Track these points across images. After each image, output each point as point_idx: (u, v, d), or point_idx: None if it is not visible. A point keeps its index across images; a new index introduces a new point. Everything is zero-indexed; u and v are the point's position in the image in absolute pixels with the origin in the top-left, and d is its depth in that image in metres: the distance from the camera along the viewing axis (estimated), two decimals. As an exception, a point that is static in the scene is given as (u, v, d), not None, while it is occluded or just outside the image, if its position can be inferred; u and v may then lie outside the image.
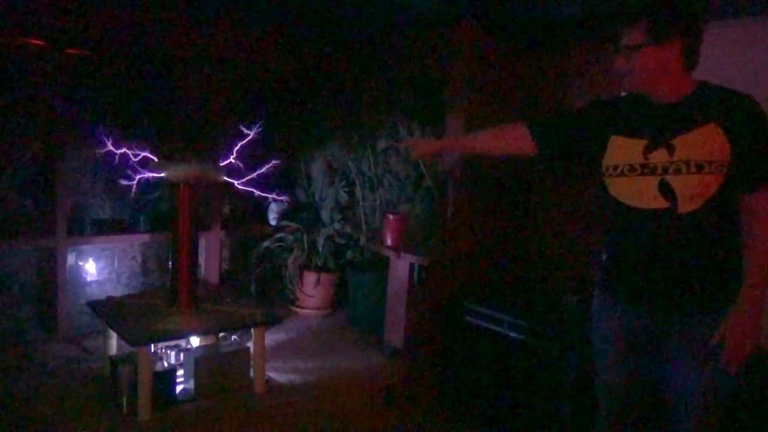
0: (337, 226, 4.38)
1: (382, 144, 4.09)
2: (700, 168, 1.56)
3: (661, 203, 1.61)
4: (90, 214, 3.94)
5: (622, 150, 1.68)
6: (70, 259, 3.79)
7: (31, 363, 3.32)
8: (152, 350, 2.86)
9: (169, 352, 3.07)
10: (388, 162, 4.14)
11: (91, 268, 3.94)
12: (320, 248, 4.36)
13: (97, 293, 3.87)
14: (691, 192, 1.57)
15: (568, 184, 3.24)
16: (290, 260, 4.33)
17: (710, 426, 1.65)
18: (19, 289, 3.73)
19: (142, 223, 4.05)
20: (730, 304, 1.59)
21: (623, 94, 1.81)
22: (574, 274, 3.11)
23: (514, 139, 2.01)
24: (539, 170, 3.39)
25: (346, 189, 4.38)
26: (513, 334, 2.69)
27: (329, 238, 4.38)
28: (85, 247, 3.88)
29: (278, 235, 4.44)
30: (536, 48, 3.31)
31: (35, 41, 3.55)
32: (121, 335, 2.83)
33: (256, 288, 4.48)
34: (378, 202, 4.22)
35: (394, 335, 3.61)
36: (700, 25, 1.62)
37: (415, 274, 3.45)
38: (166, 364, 3.02)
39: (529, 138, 1.94)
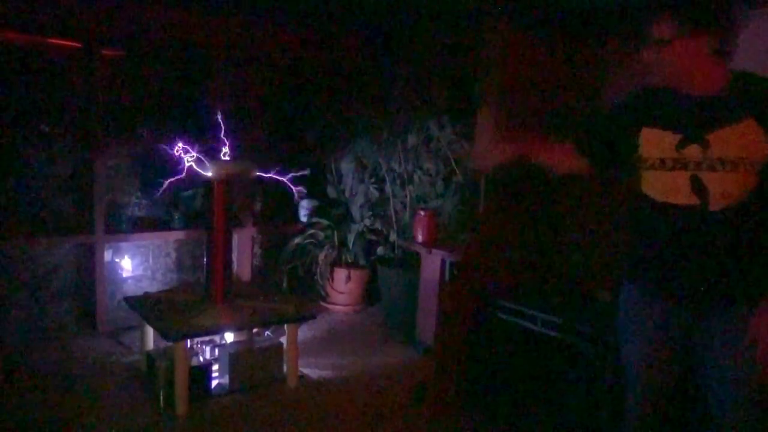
0: (367, 222, 4.39)
1: (412, 140, 4.07)
2: (734, 166, 1.50)
3: (692, 199, 1.56)
4: (126, 212, 4.02)
5: (653, 142, 1.63)
6: (107, 255, 3.88)
7: (70, 357, 3.41)
8: (188, 345, 2.90)
9: (204, 347, 3.12)
10: (418, 158, 4.13)
11: (127, 265, 4.02)
12: (351, 245, 4.37)
13: (134, 289, 3.95)
14: (724, 190, 1.52)
15: (601, 179, 3.18)
16: (321, 256, 4.36)
17: (749, 422, 1.61)
18: (58, 285, 3.83)
19: (176, 221, 4.12)
20: (761, 300, 1.53)
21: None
22: (608, 270, 3.05)
23: (567, 159, 1.91)
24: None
25: (376, 185, 4.38)
26: (546, 332, 2.65)
27: (360, 235, 4.39)
28: (121, 244, 3.97)
29: (309, 232, 4.47)
30: (571, 40, 3.25)
31: (72, 43, 3.64)
32: (157, 330, 2.89)
33: (288, 284, 4.52)
34: (408, 198, 4.21)
35: (426, 332, 3.60)
36: (734, 15, 1.54)
37: (447, 270, 3.43)
38: (201, 359, 3.07)
39: (576, 151, 1.87)
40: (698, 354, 1.67)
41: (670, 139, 1.60)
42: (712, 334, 1.62)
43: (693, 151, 1.55)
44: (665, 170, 1.60)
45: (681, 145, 1.57)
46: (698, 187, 1.55)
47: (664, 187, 1.62)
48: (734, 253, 1.56)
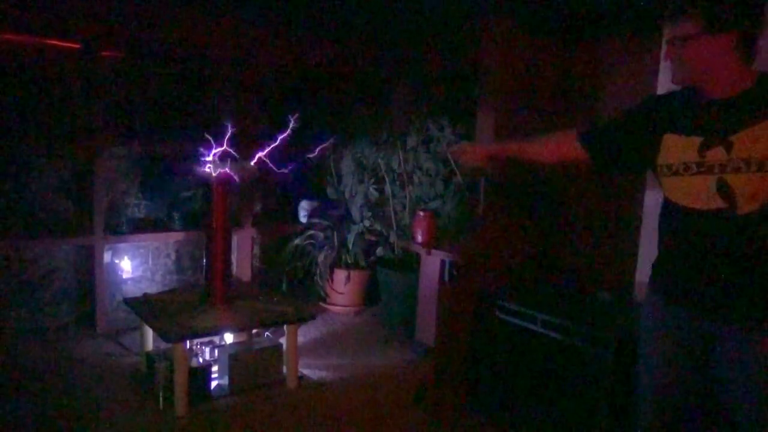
0: (366, 223, 4.39)
1: (412, 140, 4.07)
2: (760, 166, 1.46)
3: (719, 203, 1.52)
4: (126, 213, 4.02)
5: (676, 148, 1.60)
6: (107, 257, 3.88)
7: (70, 358, 3.40)
8: (187, 346, 2.90)
9: (203, 348, 3.12)
10: (417, 158, 4.13)
11: (126, 266, 4.02)
12: (350, 246, 4.37)
13: (133, 290, 3.95)
14: (752, 192, 1.48)
15: (602, 180, 3.18)
16: (320, 257, 4.36)
17: None
18: (58, 286, 3.83)
19: (176, 222, 4.12)
20: None
21: (673, 89, 1.72)
22: (608, 271, 3.05)
23: (564, 147, 1.93)
24: (572, 166, 3.33)
25: (375, 186, 4.38)
26: (546, 332, 2.65)
27: (359, 236, 4.39)
28: (121, 246, 3.97)
29: (309, 233, 4.47)
30: (570, 41, 3.26)
31: (72, 44, 3.64)
32: (157, 331, 2.88)
33: (287, 285, 4.52)
34: (408, 199, 4.21)
35: (426, 333, 3.60)
36: (759, 13, 1.50)
37: (446, 271, 3.43)
38: (200, 360, 3.07)
39: (580, 148, 1.87)
40: (720, 365, 1.62)
41: (692, 143, 1.56)
42: (736, 344, 1.57)
43: (716, 153, 1.52)
44: (689, 175, 1.56)
45: (703, 148, 1.54)
46: (724, 191, 1.51)
47: (689, 192, 1.58)
48: (764, 259, 1.51)
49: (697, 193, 1.56)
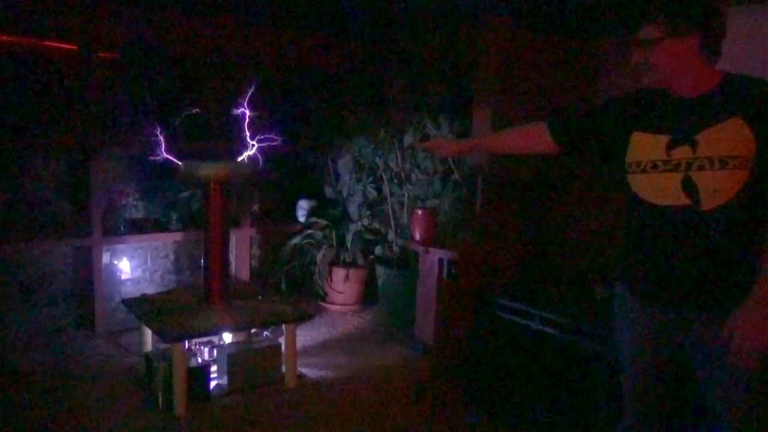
0: (365, 222, 4.39)
1: (409, 139, 4.08)
2: (723, 164, 1.50)
3: (684, 200, 1.56)
4: (124, 214, 4.02)
5: (644, 146, 1.64)
6: (105, 258, 3.88)
7: (69, 359, 3.40)
8: (186, 347, 2.90)
9: (202, 348, 3.12)
10: (415, 157, 4.13)
11: (125, 267, 4.02)
12: (349, 244, 4.37)
13: (132, 291, 3.95)
14: (715, 188, 1.52)
15: (600, 177, 3.18)
16: (319, 256, 4.36)
17: (746, 425, 1.60)
18: (57, 287, 3.83)
19: (174, 222, 4.12)
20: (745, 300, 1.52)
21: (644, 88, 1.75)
22: (607, 267, 3.05)
23: (535, 139, 2.00)
24: (570, 163, 3.33)
25: (373, 185, 4.38)
26: (545, 329, 2.66)
27: (358, 234, 4.39)
28: (119, 246, 3.97)
29: (307, 232, 4.47)
30: (567, 39, 3.26)
31: (69, 45, 3.64)
32: (156, 332, 2.89)
33: (286, 284, 4.52)
34: (406, 198, 4.21)
35: (425, 331, 3.60)
36: (720, 16, 1.55)
37: (445, 268, 3.43)
38: (199, 360, 3.07)
39: (550, 138, 1.93)
40: (691, 353, 1.66)
41: (660, 141, 1.61)
42: (703, 336, 1.61)
43: (682, 152, 1.56)
44: (657, 173, 1.61)
45: (670, 146, 1.59)
46: (689, 188, 1.55)
47: (656, 189, 1.62)
48: (727, 254, 1.55)
49: (665, 190, 1.60)
